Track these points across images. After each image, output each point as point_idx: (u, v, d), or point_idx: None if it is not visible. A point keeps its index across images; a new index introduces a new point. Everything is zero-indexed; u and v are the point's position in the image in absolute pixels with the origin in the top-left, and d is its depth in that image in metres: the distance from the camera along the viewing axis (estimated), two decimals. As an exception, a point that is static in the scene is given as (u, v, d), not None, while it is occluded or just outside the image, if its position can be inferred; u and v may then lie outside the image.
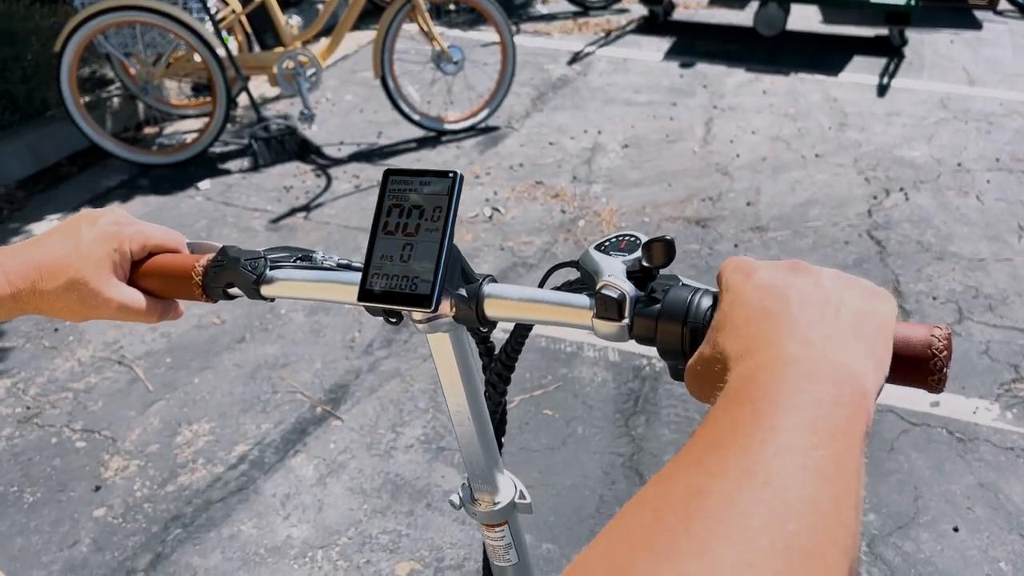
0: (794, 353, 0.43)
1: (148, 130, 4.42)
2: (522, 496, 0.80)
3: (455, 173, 0.63)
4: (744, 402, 0.41)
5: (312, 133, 4.27)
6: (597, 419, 2.43)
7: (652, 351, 2.66)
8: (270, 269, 0.72)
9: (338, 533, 2.10)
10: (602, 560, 0.33)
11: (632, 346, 2.70)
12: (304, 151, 4.10)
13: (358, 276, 0.66)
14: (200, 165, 4.02)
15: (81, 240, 0.71)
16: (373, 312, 0.66)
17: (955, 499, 2.13)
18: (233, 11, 4.16)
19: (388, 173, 0.65)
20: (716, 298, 0.56)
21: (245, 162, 4.05)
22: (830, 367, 0.42)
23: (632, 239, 0.61)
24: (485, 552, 0.86)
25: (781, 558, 0.32)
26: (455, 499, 0.81)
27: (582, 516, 2.11)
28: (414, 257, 0.62)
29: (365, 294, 0.63)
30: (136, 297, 0.74)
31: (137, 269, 0.76)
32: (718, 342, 0.49)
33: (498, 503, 0.79)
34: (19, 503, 2.20)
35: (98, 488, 2.24)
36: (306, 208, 3.63)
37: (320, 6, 5.89)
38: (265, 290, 0.71)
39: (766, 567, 0.32)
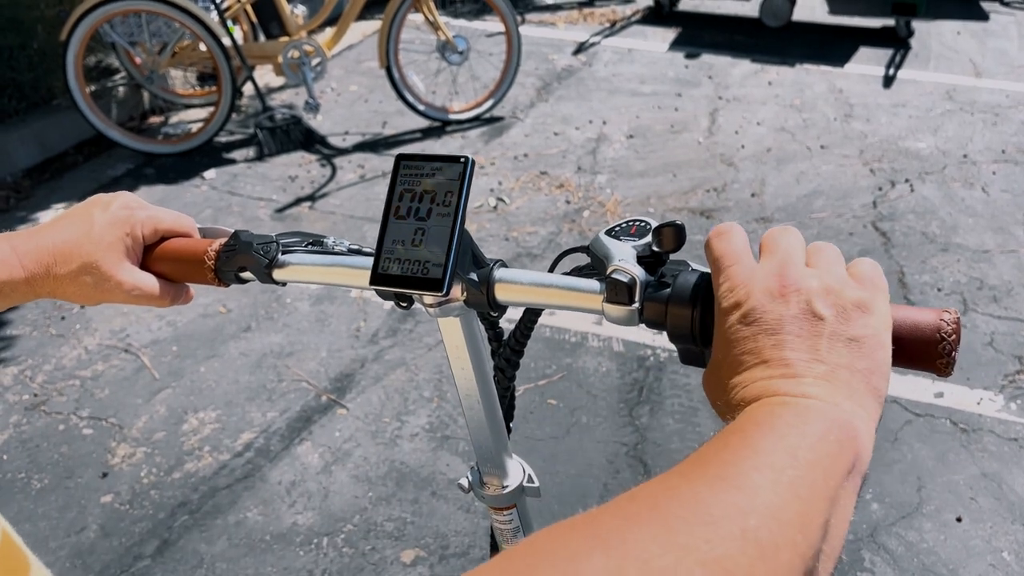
0: (787, 395, 0.45)
1: (153, 119, 4.42)
2: (530, 480, 0.81)
3: (467, 158, 0.63)
4: (737, 431, 0.43)
5: (317, 123, 4.27)
6: (601, 409, 2.44)
7: (656, 341, 2.67)
8: (282, 253, 0.72)
9: (343, 520, 2.11)
10: (580, 519, 0.37)
11: (636, 336, 2.71)
12: (309, 141, 4.10)
13: (369, 261, 0.66)
14: (205, 154, 4.02)
15: (94, 224, 0.72)
16: (384, 296, 0.67)
17: (958, 489, 2.14)
18: (238, 0, 4.15)
19: (400, 158, 0.66)
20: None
21: (250, 151, 4.05)
22: (821, 409, 0.44)
23: (642, 224, 0.62)
24: (493, 536, 0.86)
25: (737, 542, 0.34)
26: (464, 482, 0.82)
27: (586, 504, 2.12)
28: (426, 241, 0.63)
29: (377, 278, 0.64)
30: (149, 281, 0.75)
31: (150, 253, 0.77)
32: (719, 361, 0.50)
33: (507, 487, 0.80)
34: (27, 489, 2.21)
35: (105, 475, 2.26)
36: (311, 198, 3.64)
37: (325, -4, 5.88)
38: (277, 274, 0.72)
39: (721, 545, 0.34)
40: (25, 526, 2.10)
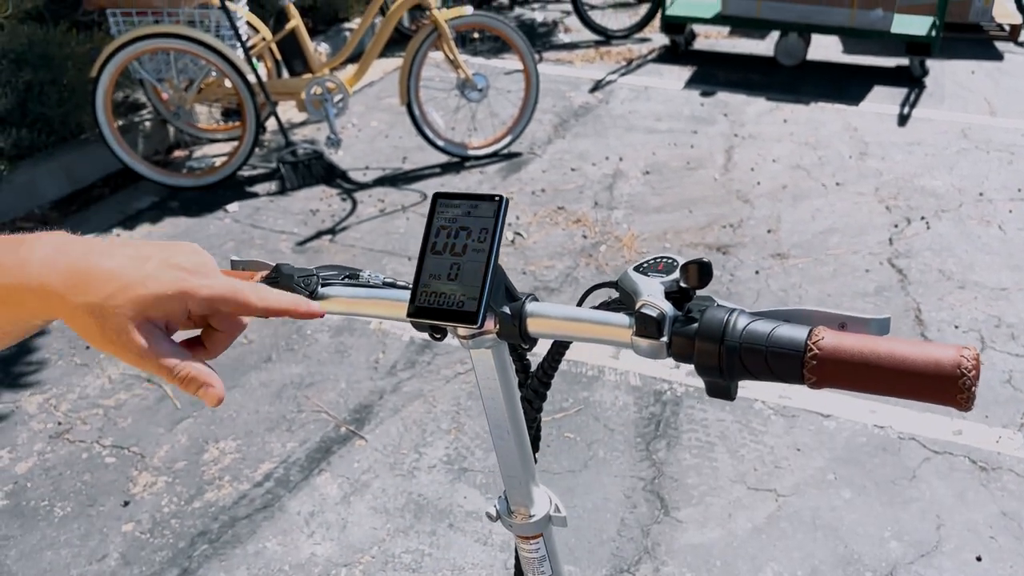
0: None
1: (178, 153, 4.51)
2: (557, 510, 0.83)
3: (501, 197, 0.66)
4: None
5: (338, 157, 4.34)
6: (618, 443, 2.45)
7: (673, 376, 2.68)
8: (321, 286, 0.75)
9: (361, 551, 2.12)
10: None
11: (653, 370, 2.72)
12: (330, 175, 4.17)
13: (405, 293, 0.69)
14: (229, 188, 4.09)
15: (141, 273, 0.61)
16: (419, 328, 0.69)
17: (978, 528, 2.12)
18: (263, 38, 4.25)
19: (437, 196, 0.69)
20: (752, 318, 0.59)
21: (272, 185, 4.12)
22: None
23: (669, 261, 0.65)
24: (518, 565, 0.88)
25: None
26: (492, 511, 0.84)
27: (603, 539, 2.13)
28: (461, 276, 0.66)
29: (415, 310, 0.67)
30: (167, 354, 0.62)
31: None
32: None
33: (534, 516, 0.82)
34: (50, 517, 2.24)
35: (127, 503, 2.28)
36: (332, 231, 3.69)
37: (348, 34, 6.01)
38: None
39: None
40: (47, 554, 2.13)
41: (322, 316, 0.67)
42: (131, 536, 2.18)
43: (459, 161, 4.35)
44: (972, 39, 6.37)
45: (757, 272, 3.29)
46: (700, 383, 0.65)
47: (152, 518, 2.23)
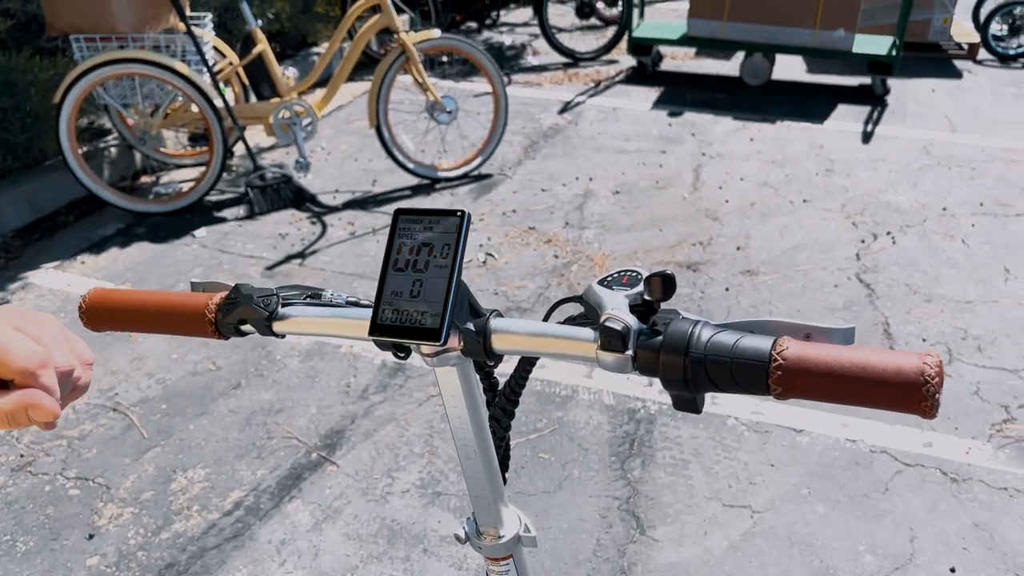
0: None
1: (145, 179, 4.46)
2: (527, 530, 0.82)
3: (463, 212, 0.66)
4: None
5: (307, 181, 4.32)
6: (593, 462, 2.43)
7: (647, 393, 2.67)
8: (282, 306, 0.74)
9: (334, 579, 2.08)
10: None
11: (627, 388, 2.71)
12: (299, 199, 4.14)
13: (367, 312, 0.68)
14: (196, 213, 4.05)
15: None
16: (382, 346, 0.68)
17: (950, 540, 2.13)
18: (230, 63, 4.23)
19: (399, 212, 0.68)
20: (716, 330, 0.59)
21: (241, 210, 4.09)
22: None
23: (634, 274, 0.64)
24: (489, 587, 0.87)
25: None
26: (460, 533, 0.82)
27: (579, 560, 2.11)
28: (423, 293, 0.65)
29: (376, 328, 0.66)
30: None
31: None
32: None
33: (503, 536, 0.80)
34: (12, 552, 2.18)
35: (91, 536, 2.22)
36: (301, 255, 3.66)
37: (316, 58, 6.00)
38: (277, 326, 0.73)
39: None
40: (8, 590, 2.07)
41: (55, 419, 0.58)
42: (96, 570, 2.12)
43: (429, 183, 4.34)
44: (932, 58, 6.52)
45: (727, 289, 3.31)
46: (671, 399, 0.64)
47: (118, 551, 2.18)
